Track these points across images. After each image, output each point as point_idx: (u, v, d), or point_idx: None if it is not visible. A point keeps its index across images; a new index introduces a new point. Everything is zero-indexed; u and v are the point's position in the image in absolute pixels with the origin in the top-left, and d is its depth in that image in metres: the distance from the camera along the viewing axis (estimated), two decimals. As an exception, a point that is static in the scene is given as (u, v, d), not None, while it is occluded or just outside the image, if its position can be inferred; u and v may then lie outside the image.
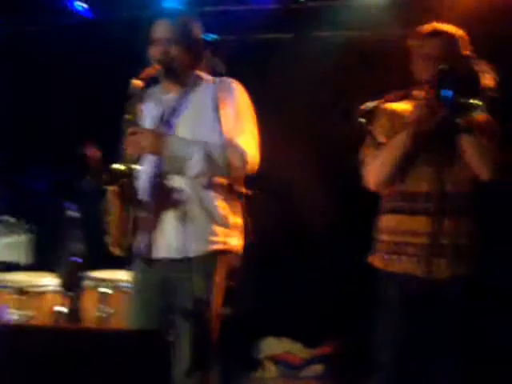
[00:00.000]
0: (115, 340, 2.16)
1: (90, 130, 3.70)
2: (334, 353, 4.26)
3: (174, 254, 2.78)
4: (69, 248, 3.31)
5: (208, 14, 4.54)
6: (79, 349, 2.10)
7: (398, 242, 2.85)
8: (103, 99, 4.33)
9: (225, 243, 2.82)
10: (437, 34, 2.87)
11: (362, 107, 2.81)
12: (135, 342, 2.17)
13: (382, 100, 2.90)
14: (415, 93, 2.85)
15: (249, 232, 2.54)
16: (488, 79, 2.62)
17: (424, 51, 2.87)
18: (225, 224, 2.82)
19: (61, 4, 4.76)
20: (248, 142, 2.79)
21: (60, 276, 3.39)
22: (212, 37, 2.69)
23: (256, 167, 2.82)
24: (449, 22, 2.95)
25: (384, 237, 2.91)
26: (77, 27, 4.80)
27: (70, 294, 3.25)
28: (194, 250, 2.77)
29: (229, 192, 2.84)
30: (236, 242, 2.86)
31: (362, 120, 2.77)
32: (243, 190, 2.76)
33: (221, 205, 2.82)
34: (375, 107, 2.87)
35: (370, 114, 2.84)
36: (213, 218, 2.79)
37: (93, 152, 2.80)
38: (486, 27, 3.76)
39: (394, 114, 2.91)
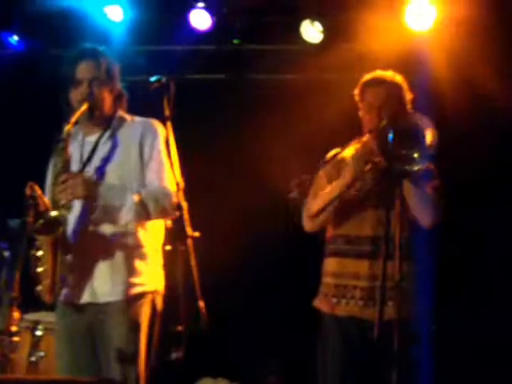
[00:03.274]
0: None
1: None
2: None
3: (99, 299, 2.76)
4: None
5: (141, 54, 4.58)
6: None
7: (343, 284, 2.88)
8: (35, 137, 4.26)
9: (150, 285, 2.81)
10: (377, 82, 2.92)
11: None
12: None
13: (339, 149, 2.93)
14: (363, 138, 2.87)
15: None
16: (428, 133, 2.69)
17: (366, 100, 2.92)
18: (150, 267, 2.81)
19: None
20: (173, 184, 2.77)
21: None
22: (157, 78, 2.67)
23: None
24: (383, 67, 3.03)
25: (328, 279, 2.94)
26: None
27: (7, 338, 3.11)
28: (119, 293, 2.75)
29: (156, 235, 2.84)
30: (162, 284, 2.86)
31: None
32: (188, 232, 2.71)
33: (147, 248, 2.81)
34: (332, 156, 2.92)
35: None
36: (137, 261, 2.79)
37: (36, 192, 2.74)
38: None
39: (339, 161, 2.96)
